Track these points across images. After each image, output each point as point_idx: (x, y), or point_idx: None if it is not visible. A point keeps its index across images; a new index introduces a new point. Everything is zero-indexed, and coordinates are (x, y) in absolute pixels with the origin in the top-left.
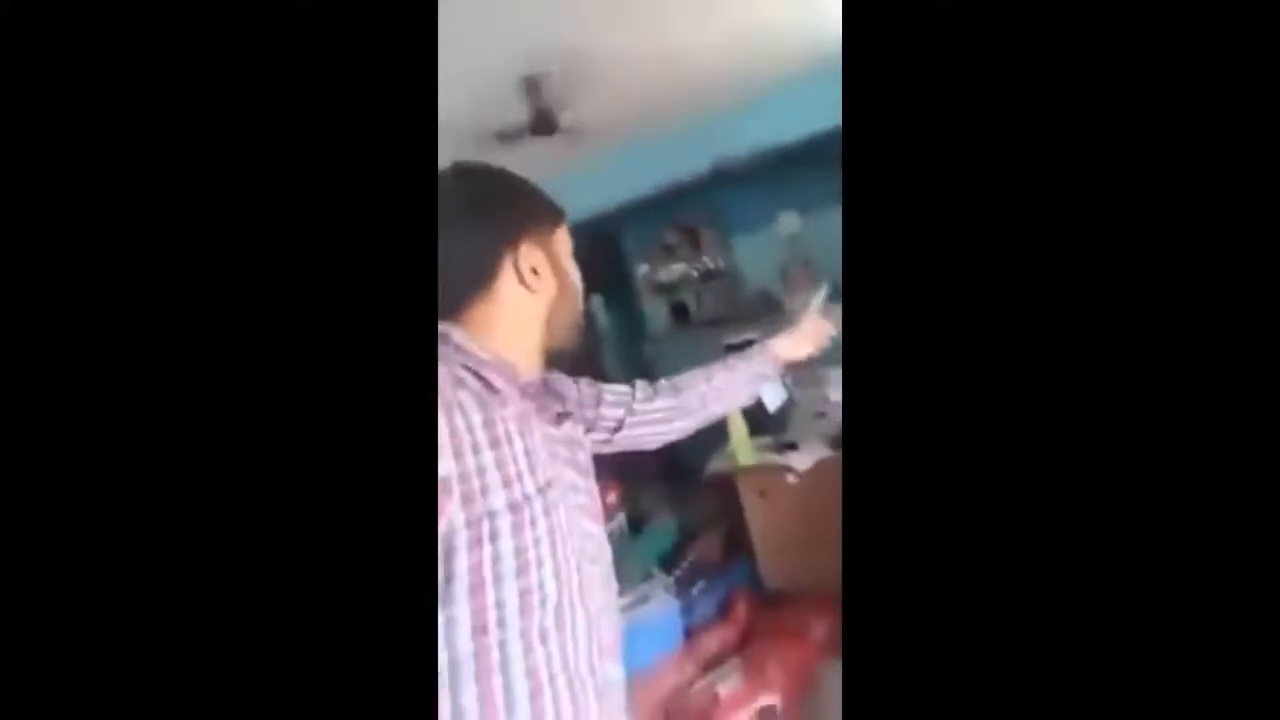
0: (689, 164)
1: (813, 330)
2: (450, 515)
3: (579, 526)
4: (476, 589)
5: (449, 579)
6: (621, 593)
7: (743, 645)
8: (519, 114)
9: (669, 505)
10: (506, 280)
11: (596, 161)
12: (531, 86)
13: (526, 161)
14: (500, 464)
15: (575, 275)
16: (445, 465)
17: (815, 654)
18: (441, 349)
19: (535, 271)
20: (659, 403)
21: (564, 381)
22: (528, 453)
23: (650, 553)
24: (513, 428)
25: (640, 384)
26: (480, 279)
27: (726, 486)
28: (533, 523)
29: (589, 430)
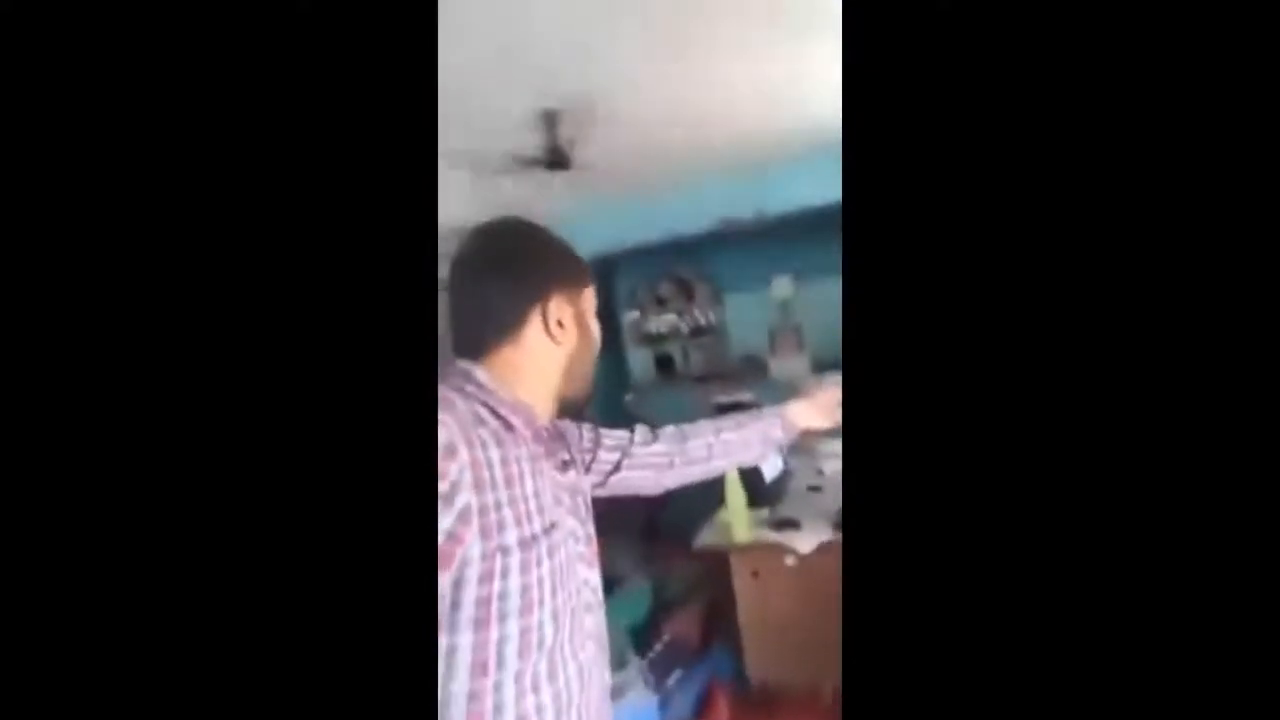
0: (690, 219)
1: (827, 401)
2: (468, 545)
3: (577, 573)
4: (482, 624)
5: (456, 606)
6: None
7: None
8: (535, 146)
9: (645, 568)
10: (533, 330)
11: (596, 204)
12: (549, 121)
13: (531, 194)
14: (513, 501)
15: (596, 331)
16: (466, 496)
17: None
18: (466, 387)
19: (561, 325)
20: (658, 447)
21: (567, 426)
22: (536, 494)
23: (620, 620)
24: (526, 468)
25: (640, 428)
26: (509, 326)
27: (712, 557)
28: (538, 563)
29: (586, 472)
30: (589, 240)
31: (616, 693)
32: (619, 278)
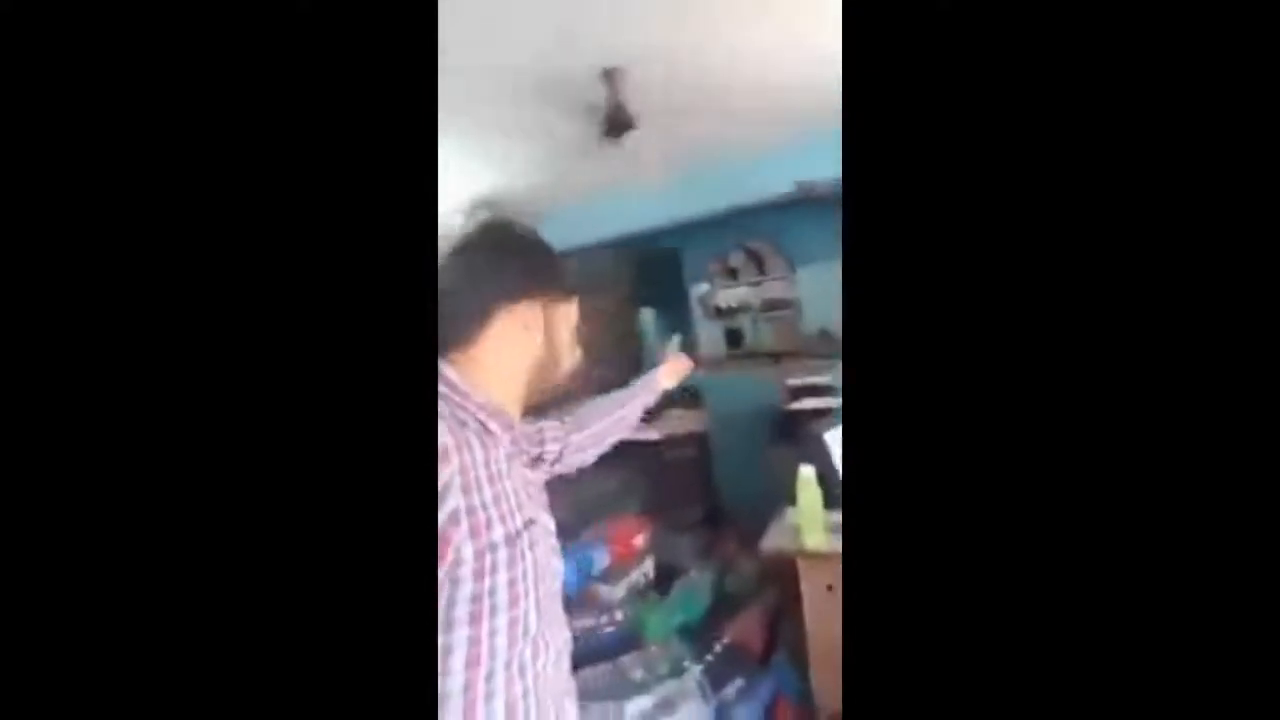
0: (765, 185)
1: (680, 365)
2: (458, 545)
3: (552, 564)
4: (476, 619)
5: (451, 604)
6: (645, 688)
7: None
8: (591, 108)
9: (706, 561)
10: (499, 329)
11: (667, 169)
12: (610, 79)
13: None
14: (496, 500)
15: (568, 348)
16: (455, 499)
17: None
18: (441, 388)
19: (527, 329)
20: (587, 432)
21: (529, 423)
22: (515, 491)
23: (674, 618)
24: (503, 467)
25: (562, 419)
26: (477, 324)
27: (780, 561)
28: (521, 557)
29: (547, 465)
30: (654, 210)
31: (668, 706)
32: (687, 249)
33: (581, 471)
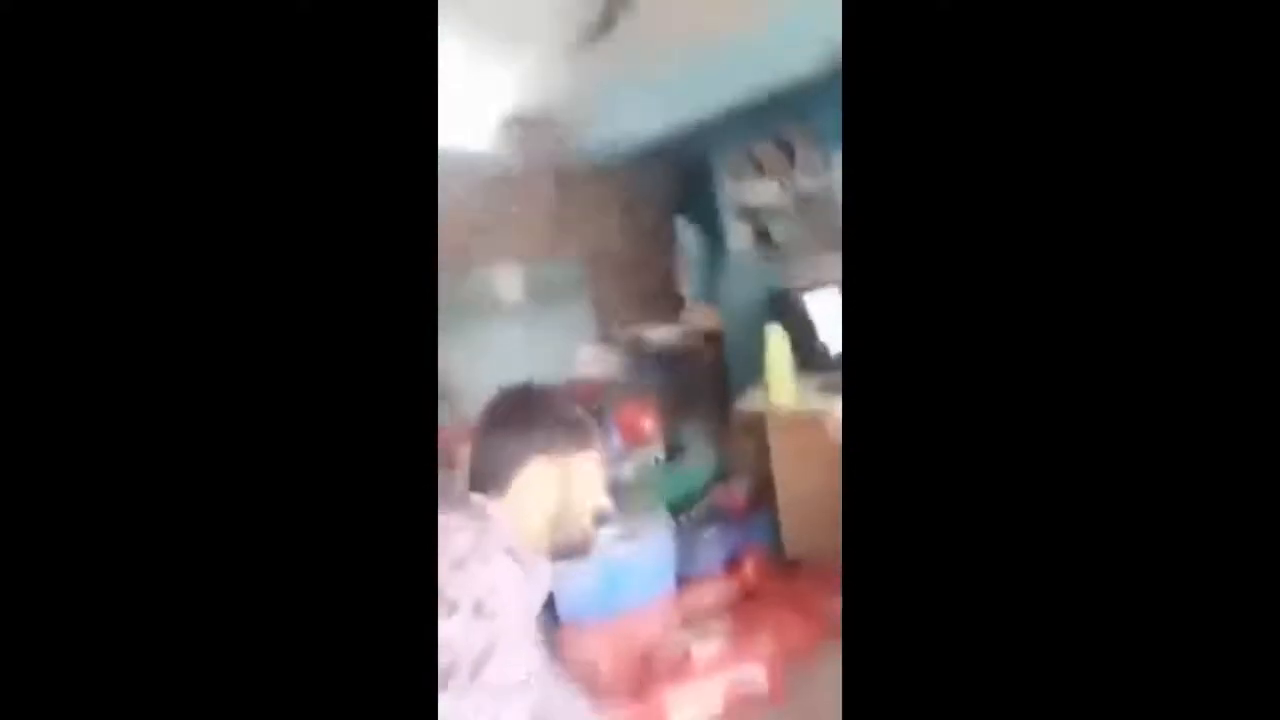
0: (791, 66)
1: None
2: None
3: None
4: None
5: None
6: (610, 522)
7: (739, 607)
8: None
9: (712, 440)
10: (522, 482)
11: (685, 63)
12: None
13: (613, 58)
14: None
15: (589, 496)
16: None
17: (820, 632)
18: (473, 521)
19: (541, 484)
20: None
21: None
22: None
23: (674, 491)
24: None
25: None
26: (506, 476)
27: (758, 431)
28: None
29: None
30: (674, 109)
31: (629, 536)
32: (713, 146)
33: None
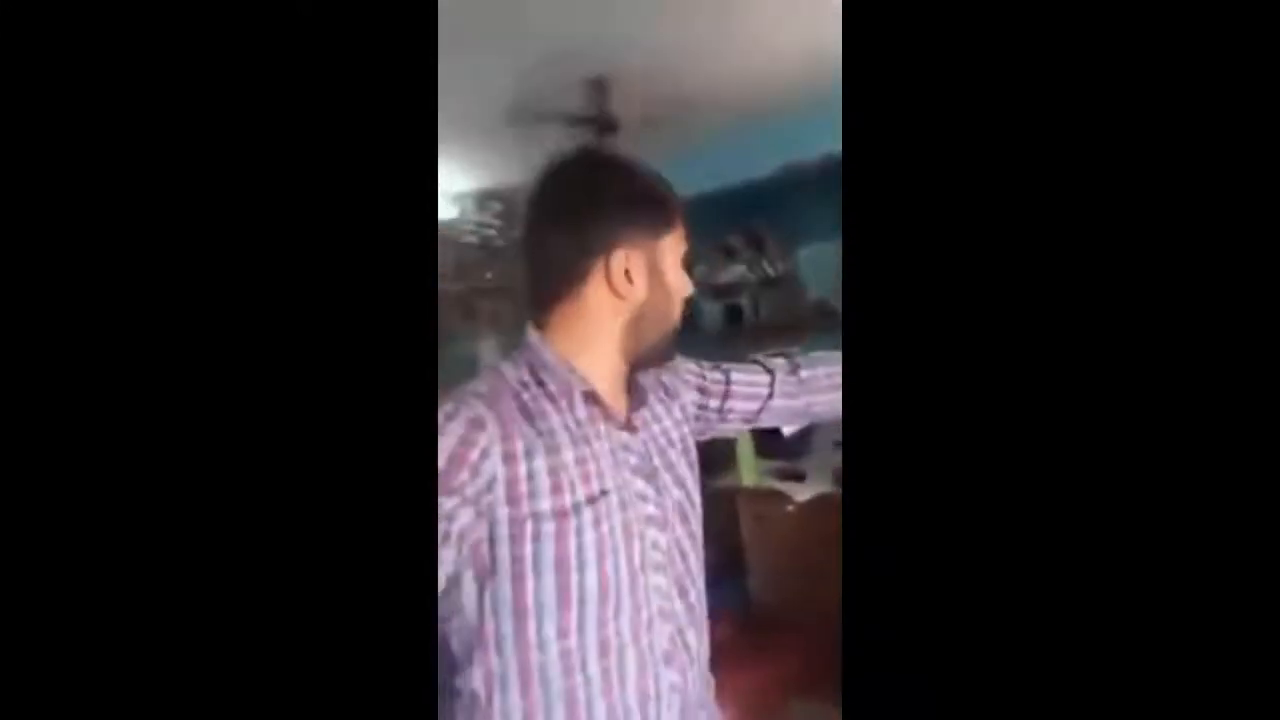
0: (756, 167)
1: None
2: (494, 510)
3: (645, 536)
4: (520, 578)
5: (493, 563)
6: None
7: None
8: (582, 109)
9: None
10: (595, 285)
11: (662, 156)
12: (598, 88)
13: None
14: (553, 471)
15: (678, 283)
16: (493, 466)
17: (786, 685)
18: (514, 352)
19: (629, 277)
20: (803, 373)
21: (682, 374)
22: (580, 461)
23: None
24: (565, 438)
25: (780, 364)
26: (569, 281)
27: (729, 504)
28: (578, 532)
29: (720, 420)
30: None
31: None
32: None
33: None
